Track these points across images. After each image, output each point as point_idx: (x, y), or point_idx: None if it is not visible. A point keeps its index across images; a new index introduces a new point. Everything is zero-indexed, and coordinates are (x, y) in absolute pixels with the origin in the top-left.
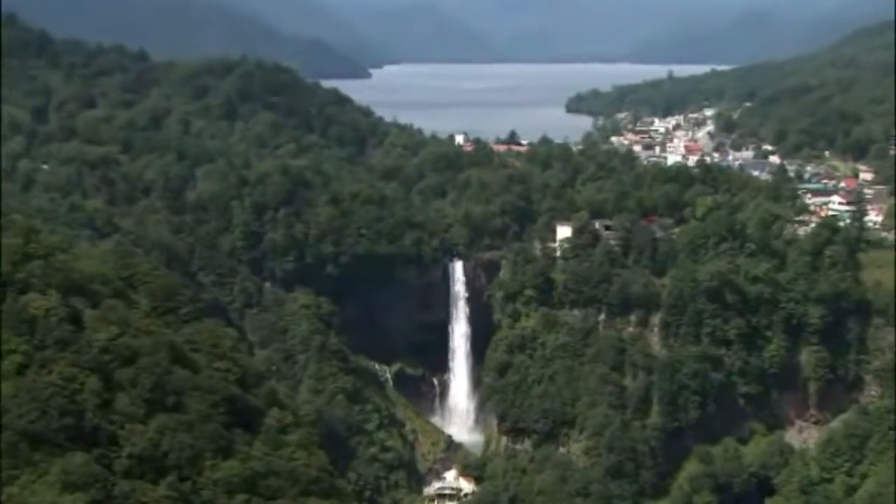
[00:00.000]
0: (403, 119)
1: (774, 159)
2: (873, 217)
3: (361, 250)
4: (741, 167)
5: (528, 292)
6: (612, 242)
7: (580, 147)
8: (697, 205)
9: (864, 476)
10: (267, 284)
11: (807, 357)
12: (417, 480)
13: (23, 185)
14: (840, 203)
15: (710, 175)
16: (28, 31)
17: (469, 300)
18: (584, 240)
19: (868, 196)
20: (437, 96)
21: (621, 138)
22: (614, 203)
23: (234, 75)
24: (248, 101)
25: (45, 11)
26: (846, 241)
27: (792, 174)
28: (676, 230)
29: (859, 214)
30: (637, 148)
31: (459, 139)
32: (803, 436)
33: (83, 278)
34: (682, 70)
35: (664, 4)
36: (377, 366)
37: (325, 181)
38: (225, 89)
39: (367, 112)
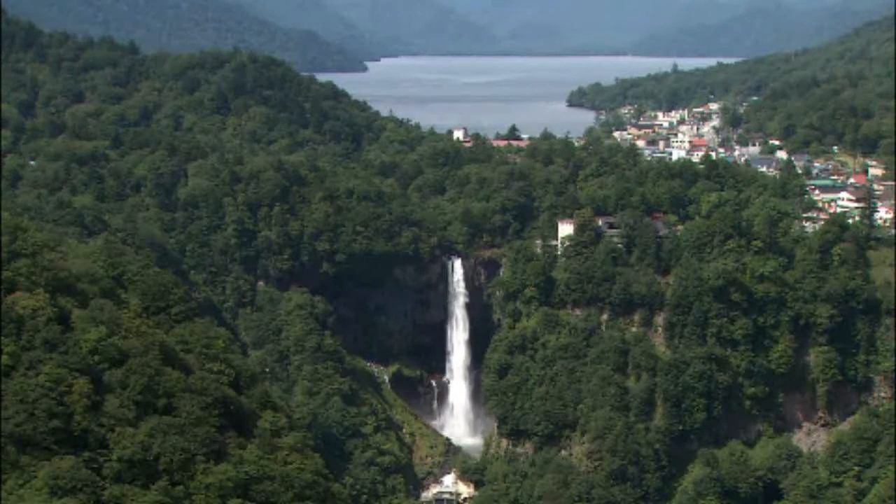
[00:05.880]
0: (401, 113)
1: (781, 154)
2: (883, 213)
3: (357, 248)
4: (747, 162)
5: (529, 291)
6: (615, 240)
7: (582, 142)
8: (702, 201)
9: (873, 480)
10: (260, 283)
11: (815, 358)
12: (415, 485)
13: (10, 181)
14: (849, 199)
15: (715, 171)
16: (15, 24)
17: (468, 299)
18: (587, 237)
19: (878, 192)
20: (436, 90)
21: (624, 133)
22: (617, 200)
23: (226, 69)
24: (241, 95)
25: (33, 3)
26: (855, 239)
27: (799, 170)
28: (681, 227)
29: (869, 211)
30: (640, 143)
31: (458, 134)
32: (811, 438)
33: (71, 277)
34: (687, 63)
35: None
36: (374, 367)
37: (321, 177)
38: (217, 83)
39: (363, 106)
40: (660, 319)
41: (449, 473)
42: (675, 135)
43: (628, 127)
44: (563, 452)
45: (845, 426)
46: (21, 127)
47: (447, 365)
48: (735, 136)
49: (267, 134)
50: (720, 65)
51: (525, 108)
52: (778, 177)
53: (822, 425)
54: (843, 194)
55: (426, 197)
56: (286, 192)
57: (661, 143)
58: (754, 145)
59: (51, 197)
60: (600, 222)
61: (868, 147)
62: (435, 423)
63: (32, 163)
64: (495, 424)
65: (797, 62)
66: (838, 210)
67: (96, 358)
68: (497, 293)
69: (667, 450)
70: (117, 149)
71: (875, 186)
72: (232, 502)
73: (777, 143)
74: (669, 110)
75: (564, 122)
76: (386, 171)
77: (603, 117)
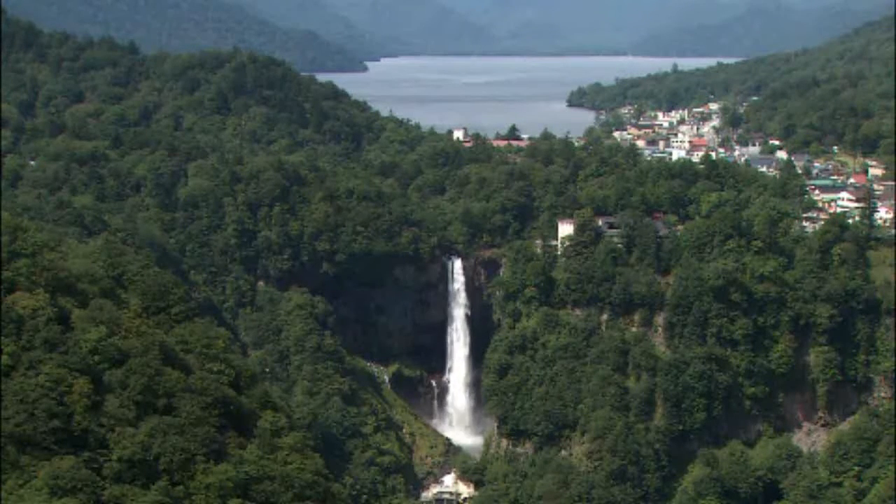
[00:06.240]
0: (401, 113)
1: (781, 154)
2: (883, 213)
3: (358, 248)
4: (747, 162)
5: (529, 291)
6: (615, 240)
7: (582, 142)
8: (702, 201)
9: (873, 480)
10: (260, 283)
11: (815, 358)
12: (415, 485)
13: (10, 181)
14: (849, 199)
15: (715, 171)
16: (15, 24)
17: (468, 299)
18: (587, 237)
19: (878, 192)
20: (436, 90)
21: (624, 133)
22: (617, 200)
23: (226, 69)
24: (241, 95)
25: (33, 3)
26: (855, 239)
27: (799, 170)
28: (681, 227)
29: (869, 211)
30: (640, 143)
31: (458, 134)
32: (811, 438)
33: (71, 277)
34: (687, 63)
35: None
36: (374, 367)
37: (321, 177)
38: (217, 83)
39: (363, 106)
40: (660, 319)
41: (449, 473)
42: (675, 135)
43: (628, 127)
44: (563, 452)
45: (845, 426)
46: (21, 127)
47: (447, 365)
48: (735, 136)
49: (267, 134)
50: (720, 65)
51: (525, 108)
52: (778, 177)
53: (822, 425)
54: (843, 194)
55: (426, 197)
56: (286, 192)
57: (661, 143)
58: (754, 145)
59: (51, 197)
60: (600, 222)
61: (868, 147)
62: (435, 423)
63: (32, 163)
64: (495, 424)
65: (797, 62)
66: (838, 210)
67: (96, 358)
68: (497, 293)
69: (667, 450)
70: (117, 149)
71: (875, 186)
72: (232, 502)
73: (777, 143)
74: (669, 110)
75: (564, 122)
76: (386, 171)
77: (603, 117)
